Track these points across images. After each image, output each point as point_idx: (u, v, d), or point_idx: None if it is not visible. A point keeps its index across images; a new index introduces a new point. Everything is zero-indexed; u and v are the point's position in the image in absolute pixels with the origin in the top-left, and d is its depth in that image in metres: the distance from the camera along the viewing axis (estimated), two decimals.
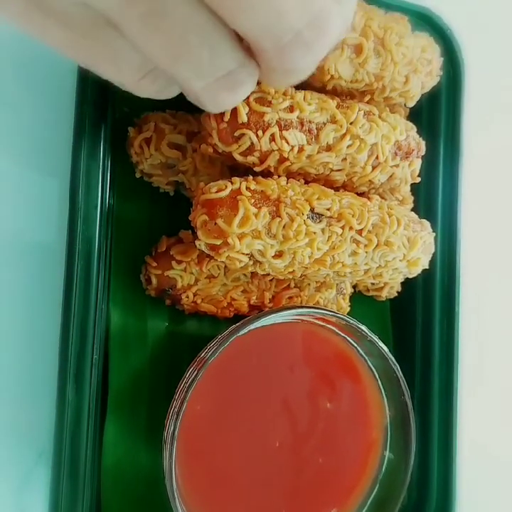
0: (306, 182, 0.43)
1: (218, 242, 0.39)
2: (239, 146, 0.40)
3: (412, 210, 0.51)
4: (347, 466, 0.47)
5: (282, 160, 0.41)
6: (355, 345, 0.47)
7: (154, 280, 0.46)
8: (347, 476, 0.47)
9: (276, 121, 0.40)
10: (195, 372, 0.41)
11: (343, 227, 0.41)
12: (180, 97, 0.50)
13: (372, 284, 0.51)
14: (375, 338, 0.45)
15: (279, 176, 0.42)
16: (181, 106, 0.49)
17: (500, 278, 0.64)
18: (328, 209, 0.41)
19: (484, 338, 0.61)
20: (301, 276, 0.44)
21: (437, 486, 0.51)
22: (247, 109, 0.39)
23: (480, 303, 0.59)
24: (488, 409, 0.61)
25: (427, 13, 0.55)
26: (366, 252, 0.42)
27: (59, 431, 0.43)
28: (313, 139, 0.41)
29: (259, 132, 0.39)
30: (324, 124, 0.41)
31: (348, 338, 0.47)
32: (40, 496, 0.45)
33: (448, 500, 0.50)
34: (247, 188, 0.40)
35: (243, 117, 0.39)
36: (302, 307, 0.47)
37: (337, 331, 0.46)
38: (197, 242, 0.41)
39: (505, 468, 0.62)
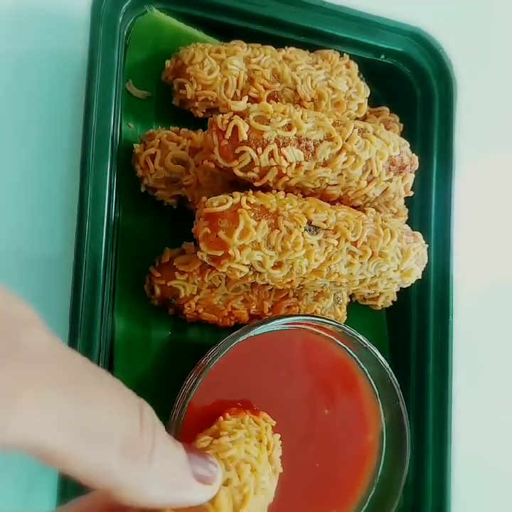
0: (304, 196, 0.45)
1: (219, 254, 0.41)
2: (239, 162, 0.42)
3: (407, 222, 0.53)
4: (344, 471, 0.48)
5: (281, 175, 0.43)
6: (352, 352, 0.48)
7: (158, 290, 0.48)
8: (344, 480, 0.48)
9: (275, 138, 0.42)
10: (196, 378, 0.42)
11: (339, 239, 0.43)
12: (184, 115, 0.52)
13: (368, 293, 0.52)
14: (371, 346, 0.46)
15: (277, 191, 0.44)
16: (184, 123, 0.51)
17: (492, 287, 0.66)
18: (324, 222, 0.43)
19: (477, 345, 0.62)
20: (299, 286, 0.45)
21: (432, 489, 0.52)
22: (247, 127, 0.41)
23: (473, 311, 0.61)
24: (482, 415, 0.62)
25: (419, 32, 0.57)
26: (361, 263, 0.44)
27: None
28: (310, 156, 0.43)
29: (259, 149, 0.41)
30: (321, 141, 0.43)
31: (345, 346, 0.48)
32: (47, 498, 0.46)
33: (443, 503, 0.51)
34: (247, 202, 0.42)
35: (243, 135, 0.41)
36: (300, 315, 0.48)
37: (334, 338, 0.48)
38: (199, 254, 0.42)
39: (499, 472, 0.63)
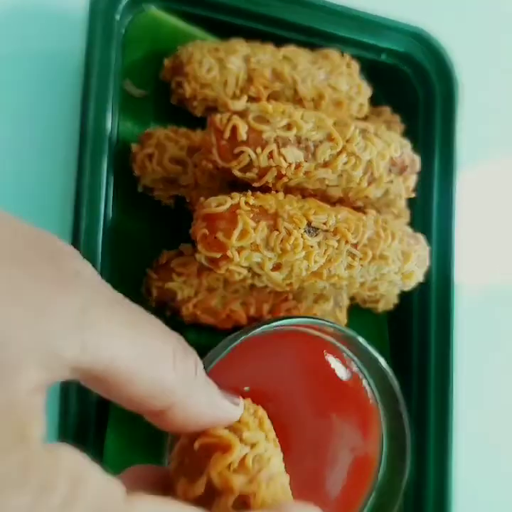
0: (303, 197, 0.45)
1: (218, 255, 0.41)
2: (238, 162, 0.41)
3: (408, 224, 0.52)
4: (343, 475, 0.48)
5: (280, 176, 0.42)
6: (352, 355, 0.48)
7: (155, 292, 0.47)
8: (342, 484, 0.47)
9: (275, 138, 0.41)
10: None
11: (339, 241, 0.42)
12: (183, 114, 0.52)
13: (369, 296, 0.52)
14: (371, 349, 0.46)
15: (277, 191, 0.44)
16: (183, 122, 0.51)
17: (494, 290, 0.65)
18: (324, 223, 0.42)
19: (479, 349, 0.62)
20: (298, 289, 0.45)
21: (434, 496, 0.52)
22: (246, 127, 0.41)
23: (475, 314, 0.60)
24: (485, 419, 0.61)
25: (420, 32, 0.57)
26: (361, 265, 0.43)
27: (62, 440, 0.43)
28: (310, 156, 0.42)
29: (258, 149, 0.41)
30: (321, 141, 0.43)
31: (345, 348, 0.48)
32: None
33: (444, 509, 0.51)
34: (246, 203, 0.41)
35: (242, 135, 0.41)
36: (300, 317, 0.48)
37: (334, 341, 0.47)
38: (197, 255, 0.42)
39: (504, 480, 0.62)
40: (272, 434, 0.35)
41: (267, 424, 0.35)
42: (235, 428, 0.31)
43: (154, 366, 0.26)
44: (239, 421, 0.32)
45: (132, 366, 0.24)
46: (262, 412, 0.35)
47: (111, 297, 0.26)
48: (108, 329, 0.24)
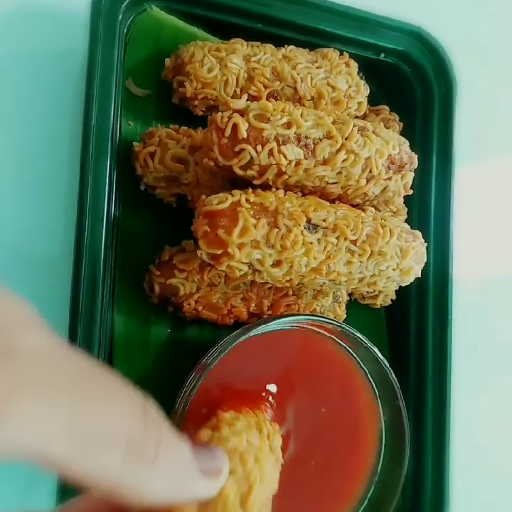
0: (303, 194, 0.45)
1: (219, 252, 0.41)
2: (239, 160, 0.42)
3: (406, 221, 0.53)
4: (343, 470, 0.48)
5: (280, 173, 0.43)
6: (351, 351, 0.48)
7: (157, 288, 0.48)
8: (342, 479, 0.48)
9: (275, 136, 0.42)
10: (197, 378, 0.42)
11: (338, 238, 0.43)
12: (184, 113, 0.52)
13: (368, 292, 0.52)
14: (370, 344, 0.47)
15: (277, 189, 0.44)
16: (184, 121, 0.51)
17: (491, 286, 0.66)
18: (323, 220, 0.43)
19: (476, 343, 0.62)
20: (298, 285, 0.46)
21: (431, 487, 0.52)
22: (246, 125, 0.41)
23: (472, 309, 0.61)
24: (481, 413, 0.62)
25: (419, 31, 0.57)
26: (360, 262, 0.44)
27: None
28: (309, 154, 0.43)
29: (258, 147, 0.41)
30: (320, 139, 0.43)
31: (345, 345, 0.48)
32: (47, 496, 0.46)
33: (441, 502, 0.52)
34: (247, 200, 0.42)
35: (243, 133, 0.41)
36: (300, 314, 0.49)
37: (333, 337, 0.48)
38: (198, 252, 0.42)
39: (498, 472, 0.63)
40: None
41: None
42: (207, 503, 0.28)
43: (96, 458, 0.22)
44: (219, 493, 0.28)
45: (70, 454, 0.22)
46: (252, 479, 0.32)
47: (55, 374, 0.22)
48: (39, 415, 0.21)
